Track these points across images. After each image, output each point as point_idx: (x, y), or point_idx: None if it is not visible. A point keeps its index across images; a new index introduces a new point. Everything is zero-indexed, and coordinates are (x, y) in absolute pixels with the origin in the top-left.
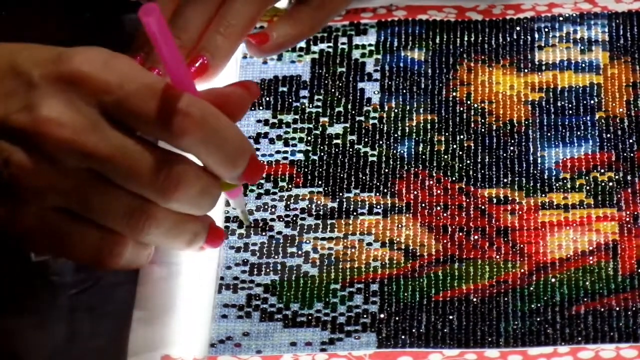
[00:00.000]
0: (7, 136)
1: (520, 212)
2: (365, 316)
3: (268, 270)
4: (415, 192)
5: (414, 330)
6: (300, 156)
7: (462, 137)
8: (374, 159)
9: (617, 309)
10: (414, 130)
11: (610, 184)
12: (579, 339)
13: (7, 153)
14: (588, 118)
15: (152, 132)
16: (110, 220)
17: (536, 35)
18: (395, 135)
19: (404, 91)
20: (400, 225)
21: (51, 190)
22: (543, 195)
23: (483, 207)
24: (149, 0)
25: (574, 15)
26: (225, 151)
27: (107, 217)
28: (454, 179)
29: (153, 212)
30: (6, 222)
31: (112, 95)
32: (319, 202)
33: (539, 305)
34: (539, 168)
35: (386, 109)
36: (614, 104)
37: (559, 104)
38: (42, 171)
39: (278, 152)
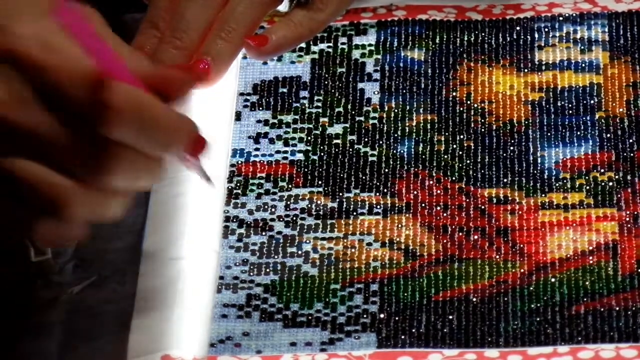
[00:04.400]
0: None
1: (520, 212)
2: (365, 316)
3: (268, 270)
4: (415, 192)
5: (413, 330)
6: (300, 156)
7: (462, 137)
8: (374, 159)
9: (617, 308)
10: (414, 130)
11: (610, 183)
12: (579, 338)
13: None
14: (588, 118)
15: (84, 121)
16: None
17: (536, 35)
18: (395, 135)
19: (404, 91)
20: (400, 225)
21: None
22: (543, 195)
23: (483, 207)
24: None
25: (574, 15)
26: (157, 139)
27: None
28: (454, 179)
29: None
30: None
31: (47, 79)
32: (319, 202)
33: (538, 305)
34: (539, 168)
35: (386, 109)
36: (614, 104)
37: (559, 104)
38: None
39: (278, 152)
